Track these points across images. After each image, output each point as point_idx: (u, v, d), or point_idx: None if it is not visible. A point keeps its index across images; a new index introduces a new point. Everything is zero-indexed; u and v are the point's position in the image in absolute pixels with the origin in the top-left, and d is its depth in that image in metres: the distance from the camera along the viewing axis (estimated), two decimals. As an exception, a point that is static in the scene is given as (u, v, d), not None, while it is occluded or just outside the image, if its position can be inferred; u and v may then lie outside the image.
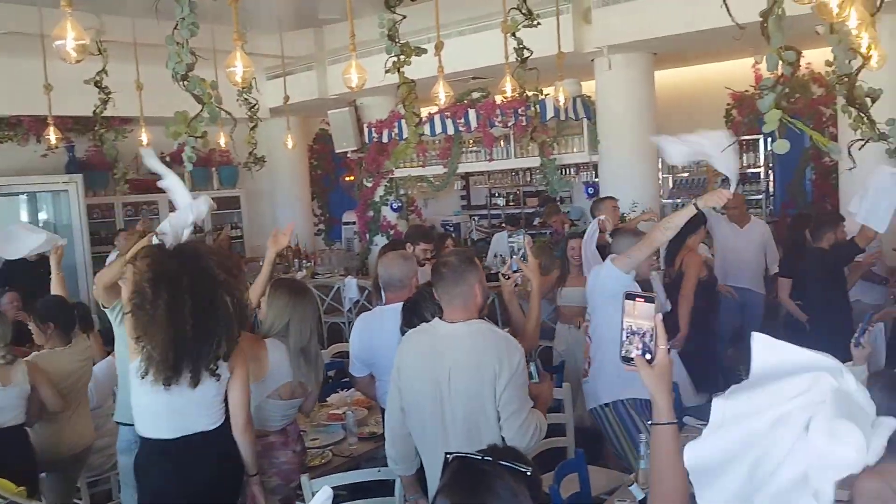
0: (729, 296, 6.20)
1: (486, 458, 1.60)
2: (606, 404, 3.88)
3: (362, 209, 9.73)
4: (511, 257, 3.36)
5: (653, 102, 7.57)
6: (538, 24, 5.13)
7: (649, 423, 1.64)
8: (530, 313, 3.42)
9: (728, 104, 8.83)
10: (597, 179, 8.15)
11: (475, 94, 8.31)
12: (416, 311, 3.21)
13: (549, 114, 7.52)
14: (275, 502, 3.26)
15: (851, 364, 3.22)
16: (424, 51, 4.37)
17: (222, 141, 7.39)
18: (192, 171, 3.69)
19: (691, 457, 1.11)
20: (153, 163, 3.33)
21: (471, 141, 8.83)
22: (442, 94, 4.59)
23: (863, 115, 3.79)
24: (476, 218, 11.71)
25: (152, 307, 2.68)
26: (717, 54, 8.20)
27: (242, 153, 8.64)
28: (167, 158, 10.10)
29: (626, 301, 1.61)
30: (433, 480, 2.86)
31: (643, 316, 1.59)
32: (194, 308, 2.69)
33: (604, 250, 4.89)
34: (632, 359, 1.59)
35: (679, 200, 8.65)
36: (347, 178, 11.20)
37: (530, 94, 5.93)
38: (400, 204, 9.53)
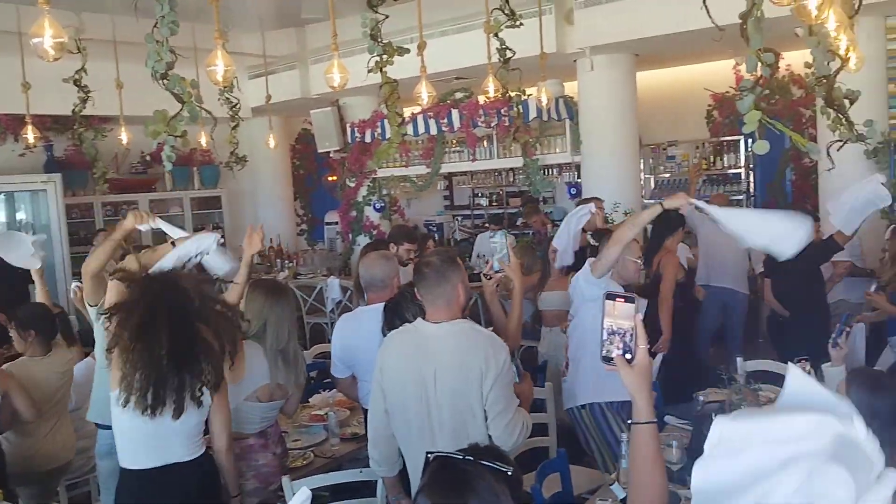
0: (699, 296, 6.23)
1: (466, 457, 1.60)
2: (583, 406, 3.88)
3: (345, 209, 9.70)
4: (493, 257, 3.35)
5: (634, 103, 7.62)
6: (521, 24, 5.14)
7: (629, 422, 1.65)
8: (511, 313, 3.41)
9: (709, 105, 8.91)
10: (579, 180, 8.19)
11: (458, 95, 8.31)
12: (398, 311, 3.20)
13: (532, 114, 7.53)
14: (252, 504, 3.22)
15: (829, 365, 3.25)
16: (407, 51, 4.37)
17: (203, 140, 7.34)
18: (171, 170, 3.68)
19: (699, 479, 1.11)
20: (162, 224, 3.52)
21: (454, 141, 8.83)
22: (425, 94, 4.58)
23: (841, 117, 3.84)
24: (459, 218, 11.70)
25: (129, 338, 2.60)
26: (698, 56, 8.25)
27: (224, 153, 8.60)
28: (147, 157, 10.15)
29: (607, 301, 1.61)
30: (417, 481, 2.85)
31: (623, 316, 1.60)
32: (171, 338, 2.60)
33: (584, 252, 4.90)
34: (612, 358, 1.60)
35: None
36: (330, 178, 11.17)
37: (513, 94, 5.95)
38: (383, 204, 9.52)
